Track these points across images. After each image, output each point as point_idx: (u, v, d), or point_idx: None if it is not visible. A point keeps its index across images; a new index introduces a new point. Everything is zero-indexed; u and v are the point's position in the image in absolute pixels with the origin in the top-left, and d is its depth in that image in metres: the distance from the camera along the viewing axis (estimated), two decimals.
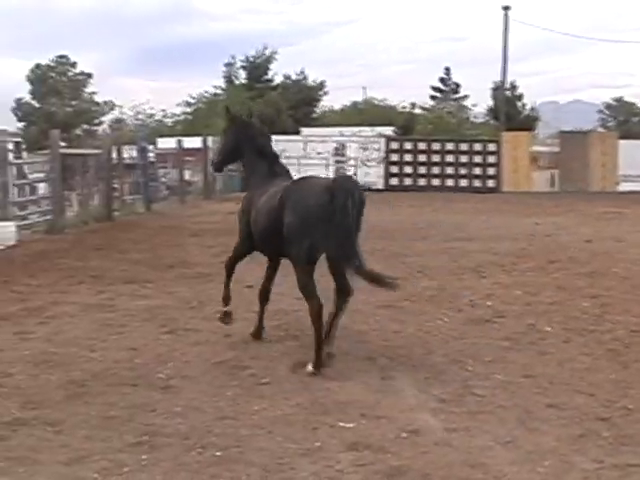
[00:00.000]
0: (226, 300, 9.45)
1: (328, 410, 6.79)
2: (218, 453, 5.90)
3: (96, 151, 28.02)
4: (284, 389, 7.38)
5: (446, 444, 6.06)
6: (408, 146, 45.26)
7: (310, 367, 7.92)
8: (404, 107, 68.54)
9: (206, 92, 70.50)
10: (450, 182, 44.16)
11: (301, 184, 8.52)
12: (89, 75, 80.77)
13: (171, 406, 6.87)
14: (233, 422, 6.51)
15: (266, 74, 71.30)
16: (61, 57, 79.88)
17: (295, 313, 10.44)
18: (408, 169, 44.70)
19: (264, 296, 9.38)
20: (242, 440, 6.12)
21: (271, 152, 9.55)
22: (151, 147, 36.63)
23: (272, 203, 8.47)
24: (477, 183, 44.07)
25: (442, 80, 78.70)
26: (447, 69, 79.02)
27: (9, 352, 8.71)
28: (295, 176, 9.20)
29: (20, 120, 77.84)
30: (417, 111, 65.27)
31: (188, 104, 70.67)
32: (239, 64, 72.27)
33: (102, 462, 5.73)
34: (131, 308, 10.99)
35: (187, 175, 36.55)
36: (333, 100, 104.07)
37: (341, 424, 6.46)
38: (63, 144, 32.30)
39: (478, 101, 76.84)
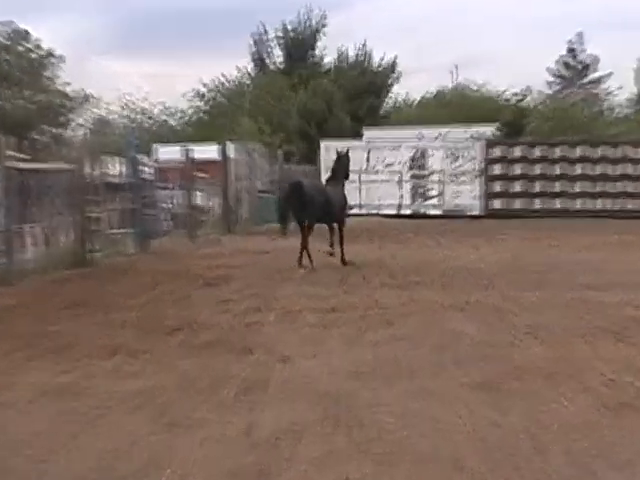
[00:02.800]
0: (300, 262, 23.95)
1: None
2: None
3: (66, 165, 28.17)
4: None
5: None
6: (517, 153, 44.88)
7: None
8: (512, 95, 68.44)
9: (226, 79, 70.86)
10: (579, 204, 43.65)
11: None
12: (60, 57, 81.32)
13: None
14: None
15: (312, 52, 71.61)
16: (17, 32, 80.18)
17: (346, 399, 10.41)
18: (517, 186, 44.36)
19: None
20: None
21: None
22: (147, 159, 36.83)
23: None
24: (621, 204, 43.39)
25: (571, 52, 77.01)
26: (579, 35, 77.06)
27: None
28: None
29: None
30: (530, 101, 65.05)
31: (200, 96, 70.96)
32: (273, 37, 72.82)
33: None
34: (113, 391, 11.00)
35: (199, 199, 36.75)
36: (409, 87, 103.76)
37: None
38: (19, 155, 32.58)
39: (622, 84, 75.75)
